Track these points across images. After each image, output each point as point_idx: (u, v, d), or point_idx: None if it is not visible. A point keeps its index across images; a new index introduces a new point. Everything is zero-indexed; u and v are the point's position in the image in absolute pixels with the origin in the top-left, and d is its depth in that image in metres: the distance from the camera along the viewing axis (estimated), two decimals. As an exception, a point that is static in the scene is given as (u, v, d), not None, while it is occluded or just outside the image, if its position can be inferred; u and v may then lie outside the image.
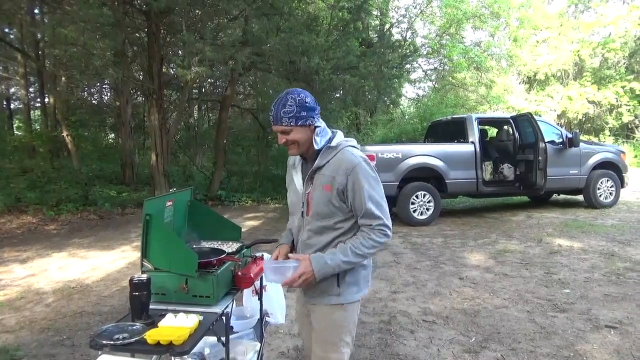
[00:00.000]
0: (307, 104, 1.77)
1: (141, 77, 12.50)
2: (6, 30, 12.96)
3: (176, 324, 1.77)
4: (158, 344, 1.66)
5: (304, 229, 1.89)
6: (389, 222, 1.79)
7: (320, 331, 1.90)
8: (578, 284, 4.53)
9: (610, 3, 23.17)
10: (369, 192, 1.76)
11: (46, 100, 14.51)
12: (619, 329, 3.44)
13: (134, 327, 1.81)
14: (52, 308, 4.32)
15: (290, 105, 1.75)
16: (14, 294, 4.74)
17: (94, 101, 19.19)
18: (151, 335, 1.68)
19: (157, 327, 1.77)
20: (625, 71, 21.73)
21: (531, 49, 22.42)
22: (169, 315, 1.83)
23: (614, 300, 4.04)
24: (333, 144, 1.82)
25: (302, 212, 1.87)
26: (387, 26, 19.63)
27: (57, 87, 13.61)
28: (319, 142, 1.82)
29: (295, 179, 1.92)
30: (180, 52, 11.81)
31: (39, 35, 12.34)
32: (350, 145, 1.85)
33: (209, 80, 15.18)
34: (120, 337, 1.72)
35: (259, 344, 2.62)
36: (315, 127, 1.81)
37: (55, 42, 10.24)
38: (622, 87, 20.76)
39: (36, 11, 12.64)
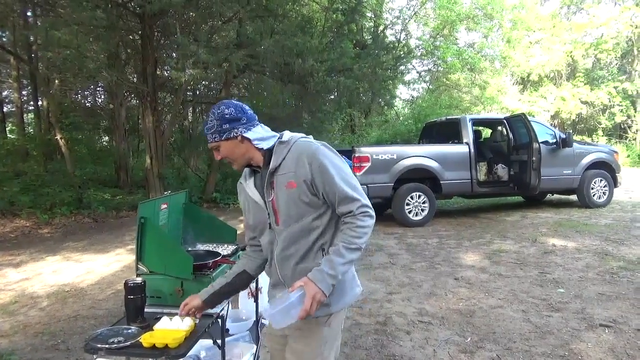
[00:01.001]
0: (227, 115, 1.63)
1: (135, 79, 12.47)
2: (-2, 33, 12.90)
3: (171, 327, 1.76)
4: (153, 347, 1.66)
5: (276, 241, 1.69)
6: (368, 201, 1.63)
7: (301, 350, 1.70)
8: (572, 283, 4.55)
9: (602, 4, 23.38)
10: (339, 174, 1.60)
11: (39, 103, 14.42)
12: (613, 327, 3.46)
13: (129, 331, 1.81)
14: (47, 312, 4.29)
15: (211, 121, 1.65)
16: (7, 298, 4.70)
17: (87, 104, 19.05)
18: (146, 339, 1.68)
19: (152, 330, 1.77)
20: (618, 72, 21.94)
21: (524, 50, 22.56)
22: (164, 319, 1.83)
23: (608, 299, 4.07)
24: (284, 139, 1.68)
25: (270, 223, 1.70)
26: (381, 28, 19.70)
27: (51, 90, 13.52)
28: (265, 146, 1.67)
29: (251, 193, 1.73)
30: (174, 54, 11.81)
31: (31, 38, 12.26)
32: (303, 139, 1.69)
33: (203, 82, 15.14)
34: (115, 340, 1.71)
35: (255, 347, 2.62)
36: (244, 137, 1.64)
37: (49, 44, 10.18)
38: (615, 87, 20.95)
39: (29, 14, 12.56)
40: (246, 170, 1.77)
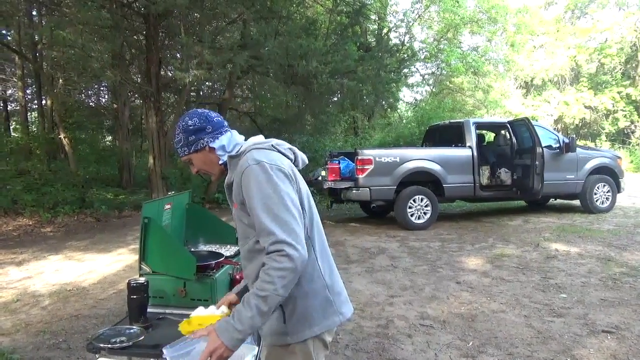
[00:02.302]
0: (191, 127, 1.57)
1: (139, 79, 12.49)
2: (4, 32, 12.94)
3: (207, 314, 1.76)
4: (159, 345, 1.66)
5: None
6: (290, 237, 1.35)
7: None
8: (575, 288, 4.54)
9: (607, 9, 23.35)
10: (262, 200, 1.39)
11: (43, 102, 14.47)
12: (615, 333, 3.44)
13: (132, 331, 1.81)
14: (48, 311, 4.30)
15: (178, 135, 1.60)
16: (9, 297, 4.71)
17: (91, 103, 19.12)
18: (184, 327, 1.67)
19: (189, 317, 1.77)
20: (622, 77, 21.91)
21: (528, 54, 22.57)
22: (200, 308, 1.84)
23: (610, 305, 4.05)
24: (239, 151, 1.57)
25: (236, 238, 1.66)
26: (385, 30, 19.67)
27: (55, 89, 13.58)
28: (223, 158, 1.60)
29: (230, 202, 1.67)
30: (178, 55, 11.84)
31: (36, 37, 12.33)
32: (255, 148, 1.53)
33: (207, 83, 15.18)
34: (118, 340, 1.72)
35: (256, 348, 2.61)
36: (211, 147, 1.58)
37: (53, 44, 10.26)
38: (619, 92, 20.93)
39: (34, 13, 12.63)
40: None
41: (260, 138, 1.62)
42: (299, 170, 1.65)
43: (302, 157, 1.67)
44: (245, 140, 1.65)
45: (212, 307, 1.78)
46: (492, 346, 3.30)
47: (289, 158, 1.59)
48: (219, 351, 1.35)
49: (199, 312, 1.78)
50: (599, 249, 6.08)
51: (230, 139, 1.61)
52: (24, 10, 11.57)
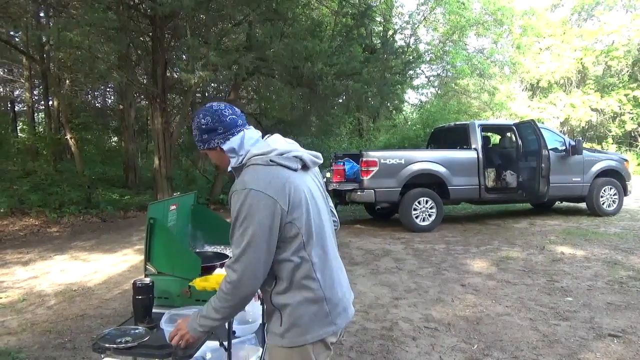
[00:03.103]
0: (204, 126, 1.58)
1: (145, 80, 12.56)
2: (11, 33, 13.04)
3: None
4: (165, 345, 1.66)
5: None
6: (240, 267, 1.42)
7: None
8: (581, 292, 4.51)
9: (614, 11, 23.23)
10: (235, 225, 1.45)
11: (50, 103, 14.57)
12: (622, 337, 3.42)
13: (137, 331, 1.81)
14: (54, 311, 4.32)
15: (195, 130, 1.62)
16: (16, 296, 4.74)
17: (97, 104, 19.27)
18: (198, 283, 1.79)
19: (211, 274, 1.86)
20: (629, 79, 21.77)
21: (534, 56, 22.48)
22: (219, 269, 1.95)
23: (617, 308, 4.02)
24: (242, 162, 1.56)
25: None
26: (390, 32, 19.66)
27: (62, 90, 13.68)
28: (232, 161, 1.60)
29: None
30: (184, 56, 11.88)
31: (44, 39, 12.41)
32: (253, 164, 1.51)
33: (212, 84, 15.24)
34: (123, 340, 1.72)
35: (260, 349, 2.62)
36: (221, 148, 1.59)
37: (60, 45, 10.30)
38: (625, 95, 20.80)
39: (42, 14, 12.72)
40: None
41: (267, 146, 1.56)
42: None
43: (312, 158, 1.63)
44: (263, 137, 1.66)
45: None
46: (497, 349, 3.28)
47: (292, 169, 1.52)
48: (182, 332, 1.56)
49: (220, 271, 1.87)
50: (606, 252, 6.04)
51: (242, 141, 1.59)
52: (32, 12, 11.66)
